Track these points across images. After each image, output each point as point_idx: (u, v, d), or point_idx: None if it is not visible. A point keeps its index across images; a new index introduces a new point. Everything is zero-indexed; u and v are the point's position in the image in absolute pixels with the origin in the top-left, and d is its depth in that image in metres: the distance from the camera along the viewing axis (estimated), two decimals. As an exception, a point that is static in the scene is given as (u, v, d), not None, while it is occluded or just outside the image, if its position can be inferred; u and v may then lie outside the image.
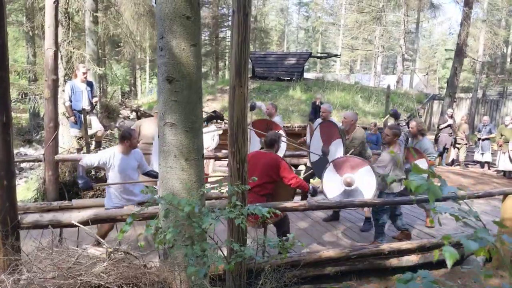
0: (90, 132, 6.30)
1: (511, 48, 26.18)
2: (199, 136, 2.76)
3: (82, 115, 6.09)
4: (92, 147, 6.55)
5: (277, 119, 6.72)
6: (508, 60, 26.77)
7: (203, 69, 37.34)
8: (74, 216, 3.06)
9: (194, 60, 2.64)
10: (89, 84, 6.47)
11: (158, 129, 2.78)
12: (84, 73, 6.36)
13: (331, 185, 4.64)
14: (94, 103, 6.51)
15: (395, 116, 5.34)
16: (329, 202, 4.03)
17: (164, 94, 2.64)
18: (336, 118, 11.41)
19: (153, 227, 2.09)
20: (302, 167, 10.72)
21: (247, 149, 3.28)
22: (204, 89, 14.91)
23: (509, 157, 10.69)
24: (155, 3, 2.61)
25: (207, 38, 28.73)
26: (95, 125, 6.47)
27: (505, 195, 4.96)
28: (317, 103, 10.97)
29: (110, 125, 13.80)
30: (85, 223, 3.14)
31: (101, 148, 6.58)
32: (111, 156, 4.19)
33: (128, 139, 4.22)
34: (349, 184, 4.56)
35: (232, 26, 3.10)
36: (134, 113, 15.81)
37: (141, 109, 12.96)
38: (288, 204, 3.80)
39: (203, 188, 2.70)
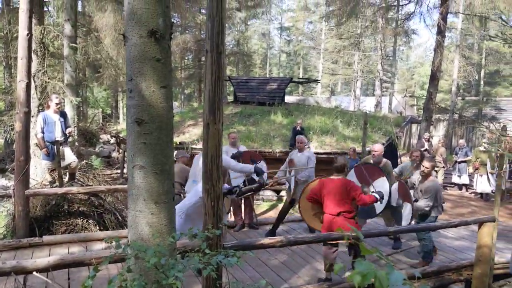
0: (63, 164, 6.15)
1: (483, 71, 27.04)
2: (170, 178, 2.70)
3: (55, 147, 5.95)
4: (66, 179, 6.38)
5: (242, 148, 6.95)
6: (482, 82, 27.63)
7: (187, 91, 37.47)
8: (39, 262, 2.93)
9: (164, 101, 2.61)
10: (63, 114, 6.35)
11: (128, 171, 2.71)
12: (57, 104, 6.24)
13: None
14: (67, 134, 6.38)
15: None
16: (306, 237, 3.99)
17: (133, 136, 2.59)
18: (317, 143, 11.51)
19: (115, 283, 2.00)
20: (283, 193, 10.69)
21: (222, 186, 3.23)
22: (185, 114, 14.95)
23: (488, 179, 10.89)
24: (125, 45, 2.58)
25: (190, 61, 28.92)
26: (69, 157, 6.32)
27: (481, 223, 5.00)
28: (297, 128, 11.06)
29: (89, 151, 13.59)
30: (56, 266, 3.02)
31: (75, 181, 6.42)
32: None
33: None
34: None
35: (205, 65, 3.10)
36: (113, 139, 15.64)
37: (121, 135, 12.79)
38: (265, 240, 3.74)
39: (174, 232, 2.62)
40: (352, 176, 5.59)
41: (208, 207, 3.20)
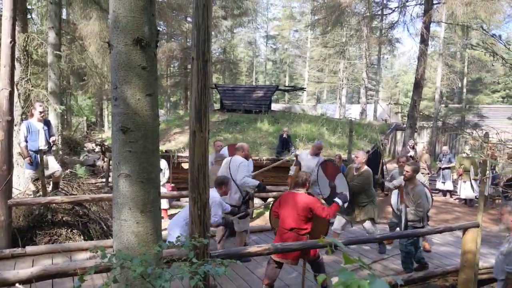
0: (47, 173, 6.05)
1: (466, 79, 27.58)
2: (156, 186, 2.68)
3: (38, 156, 5.85)
4: (50, 189, 6.27)
5: (224, 150, 7.20)
6: (465, 90, 28.17)
7: (173, 99, 37.33)
8: (22, 273, 2.87)
9: (150, 109, 2.59)
10: (46, 123, 6.26)
11: (114, 180, 2.68)
12: (41, 112, 6.16)
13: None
14: (51, 143, 6.29)
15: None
16: (293, 244, 3.98)
17: (118, 145, 2.56)
18: (303, 150, 11.55)
19: (101, 294, 1.96)
20: (270, 200, 10.68)
21: (208, 195, 3.22)
22: (171, 121, 14.88)
23: (471, 185, 11.06)
24: (110, 53, 2.57)
25: (176, 69, 28.85)
26: (53, 166, 6.22)
27: (465, 229, 5.07)
28: (284, 136, 11.10)
29: (73, 160, 13.40)
30: (39, 277, 2.96)
31: (59, 190, 6.32)
32: (216, 198, 4.77)
33: (225, 185, 4.89)
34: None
35: (191, 73, 3.10)
36: (98, 147, 15.45)
37: (106, 143, 12.65)
38: (252, 248, 3.72)
39: (161, 241, 2.60)
40: (320, 170, 5.85)
41: (194, 215, 3.18)
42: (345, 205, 4.97)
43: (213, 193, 4.82)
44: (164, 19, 15.56)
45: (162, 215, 8.71)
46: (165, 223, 8.51)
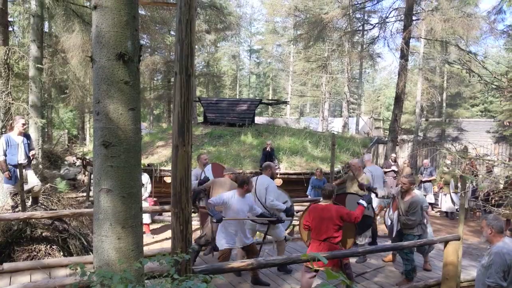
0: (26, 187, 5.92)
1: (445, 94, 28.23)
2: (137, 201, 2.65)
3: (17, 170, 5.73)
4: (29, 204, 6.13)
5: (208, 168, 6.98)
6: (444, 104, 28.81)
7: (156, 112, 37.12)
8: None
9: (132, 124, 2.58)
10: (26, 136, 6.16)
11: (94, 195, 2.65)
12: (23, 124, 6.06)
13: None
14: (31, 157, 6.17)
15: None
16: (277, 259, 3.97)
17: (99, 159, 2.54)
18: (286, 164, 11.60)
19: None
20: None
21: (190, 209, 3.19)
22: (154, 135, 14.77)
23: (451, 198, 11.24)
24: (92, 67, 2.56)
25: (159, 82, 28.77)
26: (32, 180, 6.10)
27: (446, 242, 5.14)
28: (267, 149, 11.13)
29: (53, 174, 13.15)
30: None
31: (38, 205, 6.18)
32: (230, 197, 4.94)
33: (246, 184, 4.96)
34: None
35: (174, 87, 3.10)
36: (79, 161, 15.21)
37: (87, 157, 12.47)
38: (235, 264, 3.70)
39: (142, 257, 2.56)
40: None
41: (176, 231, 3.15)
42: (369, 206, 5.23)
43: (264, 179, 5.57)
44: (147, 33, 15.57)
45: (144, 230, 8.59)
46: (147, 238, 8.41)
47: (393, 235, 5.83)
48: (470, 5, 19.56)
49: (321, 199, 4.89)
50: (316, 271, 4.64)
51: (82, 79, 12.66)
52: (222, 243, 5.00)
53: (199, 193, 6.17)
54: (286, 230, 6.43)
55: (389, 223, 5.82)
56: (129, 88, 2.56)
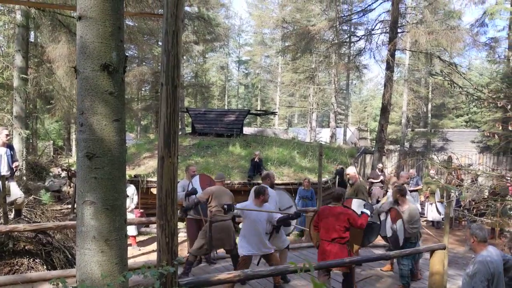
0: (9, 199, 5.80)
1: (430, 104, 28.67)
2: (122, 214, 2.62)
3: (0, 182, 5.62)
4: (11, 216, 6.01)
5: (195, 180, 6.99)
6: (430, 115, 29.23)
7: (144, 122, 36.91)
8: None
9: (117, 135, 2.56)
10: (10, 147, 6.06)
11: (78, 208, 2.60)
12: (7, 135, 5.97)
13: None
14: (14, 168, 6.06)
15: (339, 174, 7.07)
16: (264, 270, 3.95)
17: (83, 171, 2.50)
18: (275, 174, 11.59)
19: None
20: (242, 225, 10.58)
21: (176, 221, 3.16)
22: (141, 146, 14.67)
23: (436, 208, 11.35)
24: (76, 78, 2.54)
25: (147, 93, 28.69)
26: (15, 192, 5.98)
27: (432, 251, 5.17)
28: (256, 160, 11.12)
29: (38, 186, 12.92)
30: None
31: (21, 217, 6.06)
32: (246, 206, 5.16)
33: (262, 194, 5.10)
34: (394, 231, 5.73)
35: (160, 98, 3.09)
36: (64, 172, 14.99)
37: (73, 168, 12.30)
38: (222, 275, 3.66)
39: (126, 271, 2.52)
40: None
41: (162, 243, 3.11)
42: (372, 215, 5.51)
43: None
44: (135, 43, 15.54)
45: (130, 243, 8.47)
46: (133, 250, 8.29)
47: (400, 245, 5.84)
48: (454, 18, 19.98)
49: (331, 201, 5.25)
50: (329, 272, 4.98)
51: (68, 89, 12.55)
52: (241, 250, 5.17)
53: (197, 205, 6.14)
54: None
55: (390, 235, 5.85)
56: (113, 99, 2.54)
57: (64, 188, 14.89)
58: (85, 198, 2.51)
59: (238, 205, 5.27)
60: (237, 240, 5.58)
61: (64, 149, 26.71)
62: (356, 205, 5.74)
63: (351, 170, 7.56)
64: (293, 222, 5.99)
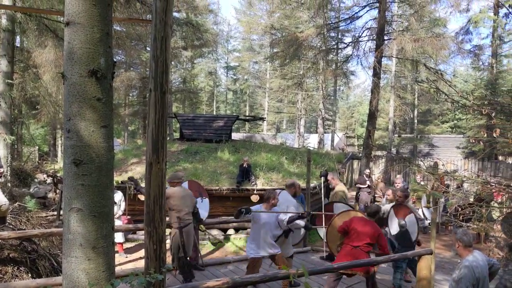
0: (-7, 207, 5.70)
1: (417, 110, 29.06)
2: (109, 220, 2.59)
3: (-16, 189, 5.53)
4: (-5, 223, 5.90)
5: (185, 185, 6.97)
6: (416, 121, 29.62)
7: (131, 128, 36.65)
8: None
9: (104, 141, 2.54)
10: (-5, 154, 5.98)
11: (64, 215, 2.57)
12: (-10, 142, 5.88)
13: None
14: (-1, 175, 5.97)
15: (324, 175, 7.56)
16: (253, 277, 3.94)
17: (70, 178, 2.48)
18: (263, 180, 11.60)
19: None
20: (231, 231, 10.55)
21: (164, 228, 3.14)
22: (128, 151, 14.55)
23: (423, 213, 11.45)
24: (63, 84, 2.52)
25: (135, 98, 28.54)
26: (-1, 199, 5.89)
27: (419, 256, 5.22)
28: (244, 165, 11.11)
29: (23, 192, 12.72)
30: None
31: (6, 225, 5.95)
32: (257, 209, 5.26)
33: (272, 198, 5.28)
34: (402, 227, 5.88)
35: (149, 104, 3.08)
36: (50, 178, 14.79)
37: (58, 174, 12.14)
38: (210, 283, 3.64)
39: (113, 278, 2.49)
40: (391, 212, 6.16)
41: (150, 250, 3.08)
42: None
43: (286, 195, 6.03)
44: (123, 49, 15.48)
45: (117, 250, 8.38)
46: (120, 257, 8.20)
47: (414, 239, 5.98)
48: (439, 26, 20.36)
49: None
50: (340, 275, 5.14)
51: (55, 94, 12.41)
52: (249, 252, 5.31)
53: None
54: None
55: (395, 232, 5.94)
56: (101, 105, 2.53)
57: (50, 195, 14.67)
58: (72, 205, 2.48)
59: (253, 208, 5.38)
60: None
61: (50, 155, 26.37)
62: (338, 209, 5.89)
63: (329, 176, 7.88)
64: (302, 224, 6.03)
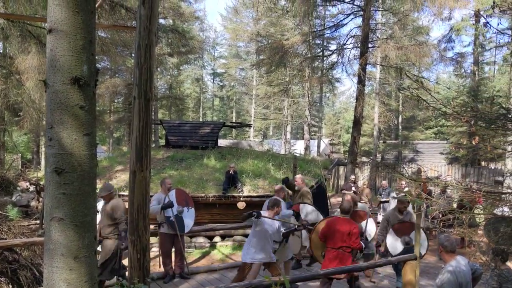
0: (-28, 216, 5.57)
1: (401, 117, 29.44)
2: (91, 230, 2.56)
3: (-36, 198, 5.40)
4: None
5: (172, 194, 6.96)
6: (400, 127, 29.99)
7: (116, 135, 36.29)
8: None
9: (87, 150, 2.51)
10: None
11: (46, 224, 2.53)
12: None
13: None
14: (-20, 183, 5.84)
15: (285, 182, 7.61)
16: (238, 285, 3.92)
17: (52, 187, 2.44)
18: (250, 186, 11.58)
19: None
20: (217, 238, 10.48)
21: (148, 236, 3.12)
22: (113, 158, 14.40)
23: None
24: (46, 92, 2.49)
25: (120, 105, 28.28)
26: (-20, 208, 5.76)
27: (404, 261, 5.27)
28: (230, 172, 11.07)
29: (4, 201, 12.46)
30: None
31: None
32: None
33: (277, 206, 5.49)
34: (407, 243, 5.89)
35: (133, 112, 3.07)
36: (33, 186, 14.52)
37: (41, 182, 11.93)
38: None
39: (95, 288, 2.45)
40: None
41: (133, 259, 3.06)
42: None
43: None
44: (108, 55, 15.36)
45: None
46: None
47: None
48: (422, 33, 20.73)
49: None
50: (331, 279, 5.28)
51: (38, 101, 12.23)
52: (245, 257, 5.40)
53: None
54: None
55: (401, 249, 6.01)
56: (84, 113, 2.50)
57: (33, 203, 14.39)
58: (53, 215, 2.44)
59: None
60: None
61: (33, 163, 25.92)
62: (304, 211, 6.01)
63: (299, 177, 7.98)
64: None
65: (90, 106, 2.56)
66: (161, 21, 21.97)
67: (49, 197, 2.47)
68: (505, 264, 4.53)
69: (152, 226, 6.88)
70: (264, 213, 5.53)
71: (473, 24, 19.76)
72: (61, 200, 2.43)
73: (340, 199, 14.05)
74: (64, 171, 2.43)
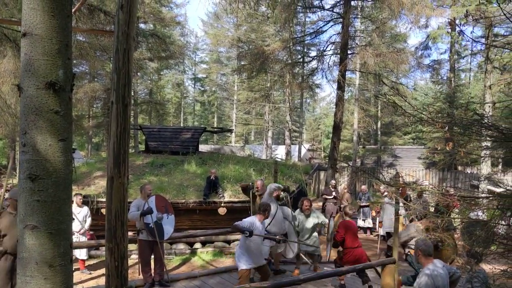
0: None
1: (380, 122, 29.92)
2: (67, 238, 2.50)
3: None
4: None
5: (151, 200, 6.90)
6: (379, 132, 30.47)
7: (95, 140, 35.70)
8: None
9: (62, 155, 2.46)
10: None
11: (19, 233, 2.46)
12: None
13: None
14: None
15: (286, 190, 7.83)
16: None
17: (25, 194, 2.38)
18: (231, 192, 11.54)
19: None
20: (198, 245, 10.39)
21: (126, 244, 3.07)
22: (92, 164, 14.15)
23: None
24: (20, 96, 2.43)
25: (99, 110, 27.85)
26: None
27: (383, 265, 5.33)
28: (211, 178, 11.02)
29: (-23, 208, 12.06)
30: None
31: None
32: (253, 222, 5.49)
33: (268, 211, 5.67)
34: None
35: (110, 117, 3.03)
36: (8, 193, 14.12)
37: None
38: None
39: (70, 297, 2.40)
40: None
41: (111, 267, 2.99)
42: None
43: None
44: (86, 59, 15.14)
45: (78, 267, 8.08)
46: (81, 274, 7.91)
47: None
48: (400, 41, 21.17)
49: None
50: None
51: (14, 106, 11.92)
52: (240, 264, 5.51)
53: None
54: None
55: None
56: (59, 118, 2.45)
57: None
58: (27, 222, 2.38)
59: (246, 221, 5.57)
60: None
61: (8, 169, 25.23)
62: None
63: (259, 182, 7.92)
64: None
65: (66, 111, 2.51)
66: (142, 25, 21.81)
67: (22, 204, 2.40)
68: (478, 265, 4.64)
69: (131, 233, 6.82)
70: (255, 217, 5.62)
71: (449, 32, 20.28)
72: (35, 207, 2.37)
73: (320, 203, 14.14)
74: (39, 177, 2.37)
